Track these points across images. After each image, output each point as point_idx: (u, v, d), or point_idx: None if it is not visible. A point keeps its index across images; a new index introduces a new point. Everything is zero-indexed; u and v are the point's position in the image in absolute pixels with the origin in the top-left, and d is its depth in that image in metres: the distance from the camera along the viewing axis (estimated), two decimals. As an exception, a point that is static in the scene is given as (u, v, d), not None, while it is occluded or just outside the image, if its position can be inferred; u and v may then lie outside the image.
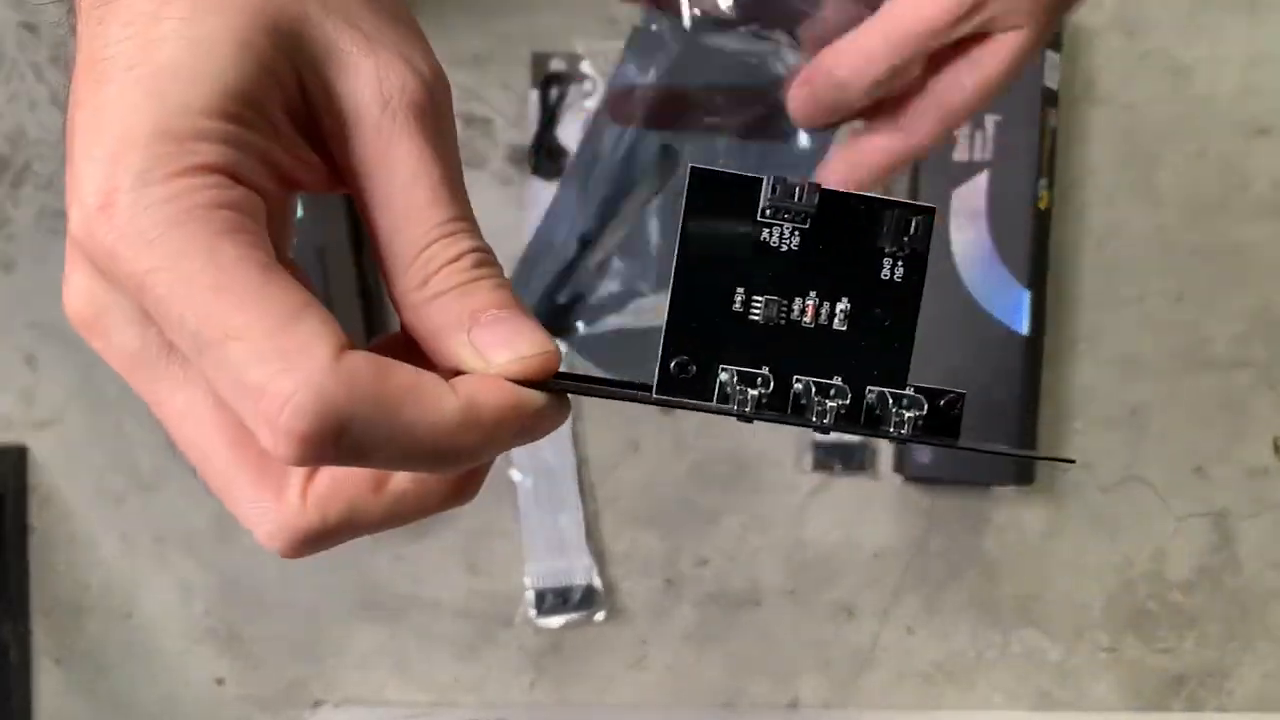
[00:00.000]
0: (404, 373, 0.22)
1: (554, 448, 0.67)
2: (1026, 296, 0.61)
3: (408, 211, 0.24)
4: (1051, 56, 0.61)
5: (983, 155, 0.61)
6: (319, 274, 0.59)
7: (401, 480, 0.24)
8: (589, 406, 0.67)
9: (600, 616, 0.67)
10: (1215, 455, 0.67)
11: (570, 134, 0.66)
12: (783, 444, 0.67)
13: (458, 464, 0.23)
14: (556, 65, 0.66)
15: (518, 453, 0.67)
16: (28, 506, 0.68)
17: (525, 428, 0.24)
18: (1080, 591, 0.68)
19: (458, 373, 0.24)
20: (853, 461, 0.66)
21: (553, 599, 0.67)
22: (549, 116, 0.65)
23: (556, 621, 0.67)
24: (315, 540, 0.24)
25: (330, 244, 0.62)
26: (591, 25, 0.66)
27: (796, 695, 0.69)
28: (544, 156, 0.65)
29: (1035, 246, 0.61)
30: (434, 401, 0.22)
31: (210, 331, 0.21)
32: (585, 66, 0.66)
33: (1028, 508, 0.67)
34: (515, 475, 0.67)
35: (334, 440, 0.21)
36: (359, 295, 0.64)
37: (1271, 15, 0.66)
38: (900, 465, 0.65)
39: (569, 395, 0.24)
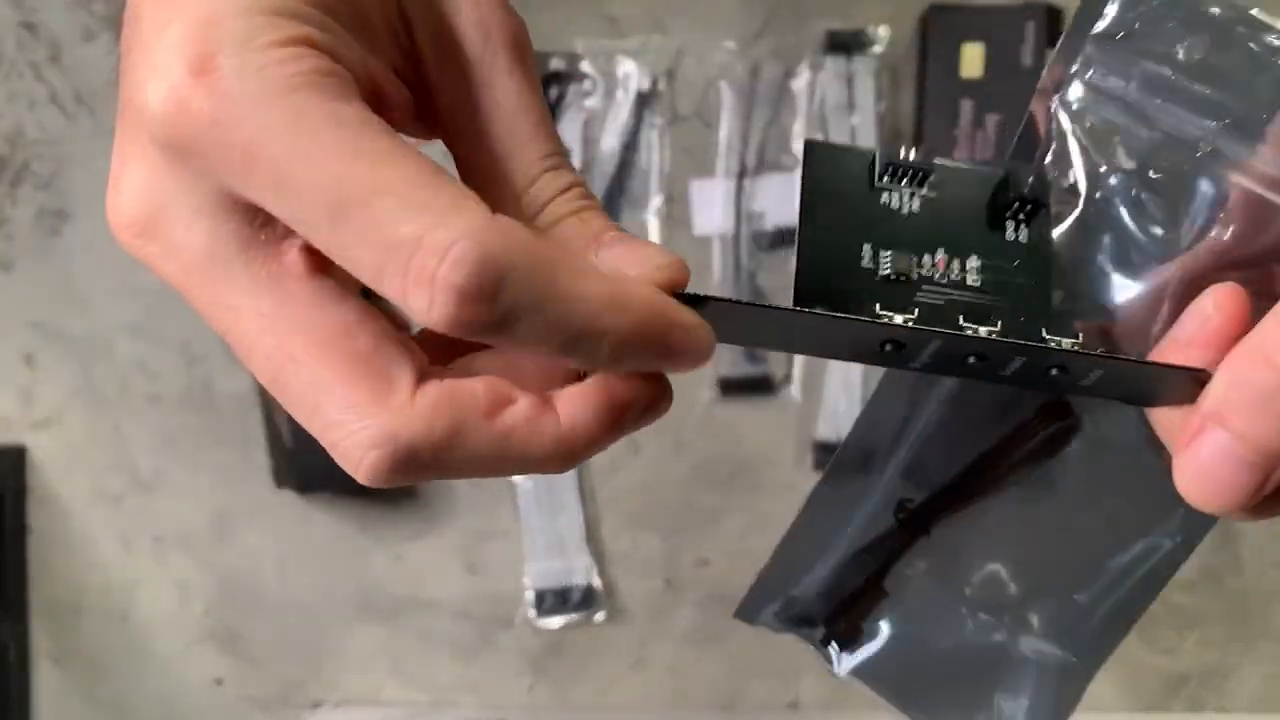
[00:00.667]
0: (554, 241, 0.22)
1: (554, 448, 0.67)
2: (1027, 296, 0.61)
3: (514, 144, 0.23)
4: (1052, 55, 0.61)
5: (984, 155, 0.61)
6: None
7: (515, 414, 0.22)
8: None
9: (600, 617, 0.67)
10: (1216, 455, 0.67)
11: (570, 134, 0.66)
12: (783, 444, 0.67)
13: (598, 356, 0.21)
14: (556, 64, 0.66)
15: (517, 453, 0.66)
16: (26, 507, 0.68)
17: (668, 340, 0.22)
18: (1081, 592, 0.68)
19: None
20: (853, 462, 0.66)
21: (552, 599, 0.67)
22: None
23: (556, 622, 0.67)
24: (416, 456, 0.21)
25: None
26: (591, 25, 0.66)
27: (797, 696, 0.69)
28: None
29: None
30: (587, 272, 0.21)
31: (352, 189, 0.19)
32: (585, 66, 0.66)
33: (1028, 508, 0.67)
34: (515, 476, 0.67)
35: (493, 296, 0.19)
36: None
37: (1273, 16, 0.65)
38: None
39: (710, 322, 0.23)
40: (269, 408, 0.62)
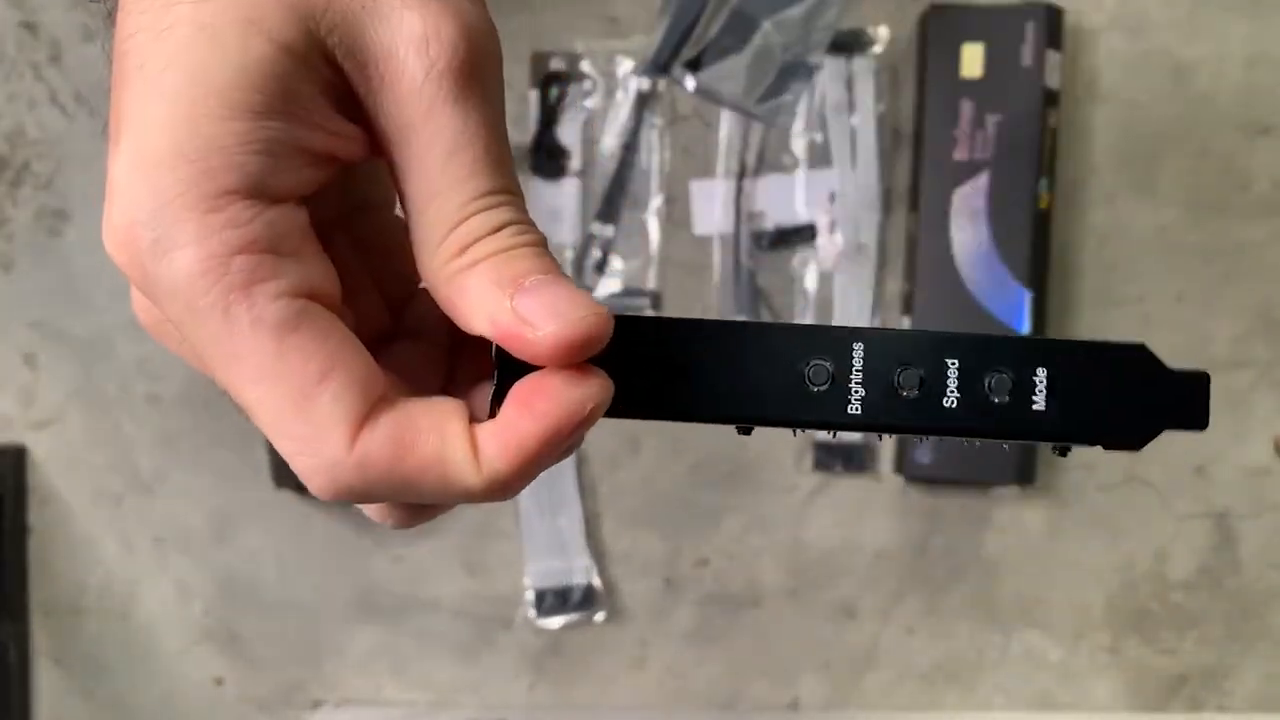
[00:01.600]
0: (425, 445, 0.22)
1: (554, 448, 0.67)
2: (1027, 296, 0.61)
3: (447, 183, 0.22)
4: (1053, 56, 0.61)
5: (983, 155, 0.61)
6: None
7: (447, 452, 0.23)
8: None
9: (600, 617, 0.67)
10: (1216, 455, 0.67)
11: (570, 133, 0.66)
12: (783, 444, 0.67)
13: (498, 499, 0.23)
14: (556, 64, 0.66)
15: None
16: (27, 507, 0.68)
17: (572, 433, 0.23)
18: (1081, 592, 0.68)
19: (485, 364, 0.24)
20: (853, 462, 0.66)
21: (552, 599, 0.67)
22: (548, 116, 0.65)
23: (556, 622, 0.67)
24: (351, 490, 0.23)
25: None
26: (591, 25, 0.66)
27: (797, 696, 0.69)
28: (544, 156, 0.65)
29: (1036, 246, 0.61)
30: (456, 475, 0.22)
31: (234, 392, 0.22)
32: (585, 66, 0.66)
33: (1029, 508, 0.67)
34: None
35: (348, 500, 0.23)
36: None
37: (1272, 15, 0.66)
38: (901, 466, 0.65)
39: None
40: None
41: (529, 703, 0.69)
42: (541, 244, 0.23)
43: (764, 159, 0.66)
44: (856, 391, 0.24)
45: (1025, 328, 0.61)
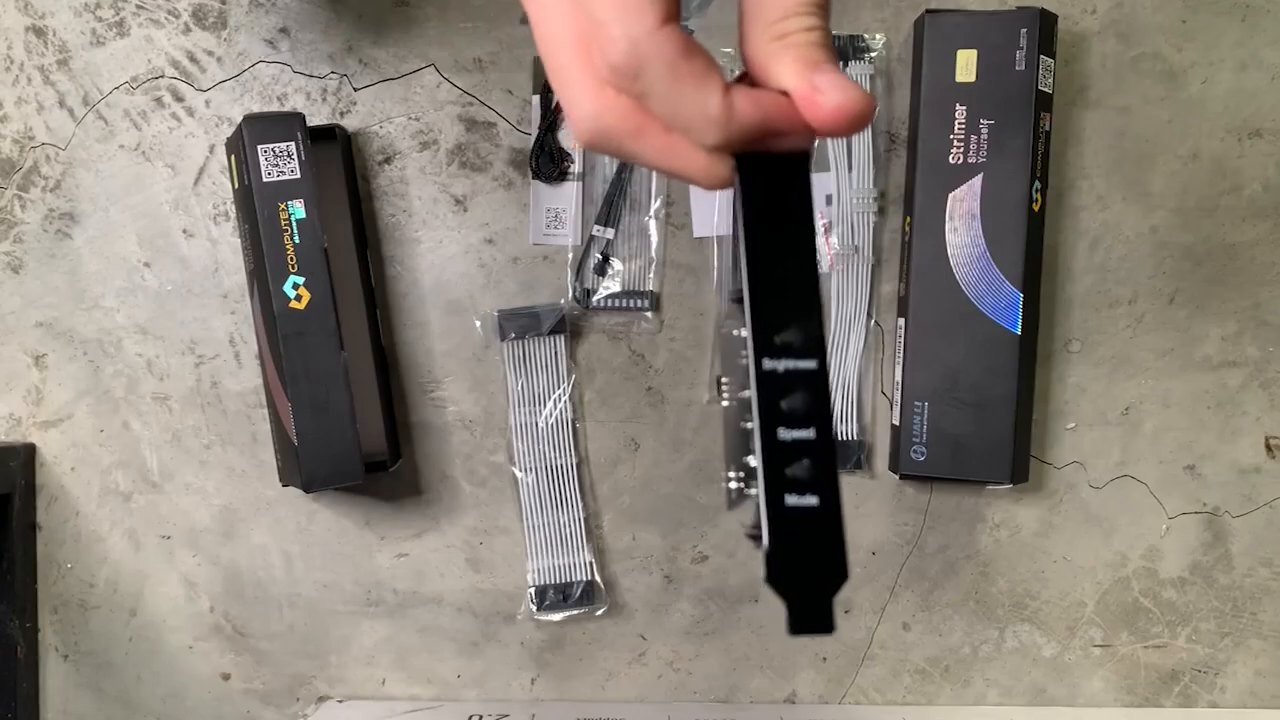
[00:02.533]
0: (700, 60, 0.29)
1: (555, 446, 0.67)
2: (1020, 297, 0.62)
3: None
4: (1046, 61, 0.62)
5: (977, 158, 0.62)
6: (324, 272, 0.59)
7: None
8: (591, 406, 0.68)
9: (601, 612, 0.68)
10: (1207, 453, 0.68)
11: (571, 138, 0.66)
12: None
13: (711, 139, 0.30)
14: (557, 69, 0.66)
15: (520, 451, 0.67)
16: (35, 504, 0.69)
17: (773, 132, 0.30)
18: (1074, 588, 0.68)
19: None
20: (850, 460, 0.67)
21: (554, 595, 0.67)
22: (550, 121, 0.66)
23: (557, 617, 0.68)
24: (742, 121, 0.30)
25: (336, 244, 0.62)
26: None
27: (794, 690, 0.69)
28: (546, 160, 0.66)
29: (1029, 248, 0.62)
30: (710, 89, 0.29)
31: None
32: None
33: (1022, 506, 0.68)
34: (517, 473, 0.67)
35: (633, 76, 0.29)
36: (362, 293, 0.65)
37: (1263, 19, 0.66)
38: (896, 464, 0.66)
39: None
40: (275, 407, 0.63)
41: (531, 696, 0.70)
42: (834, 49, 0.30)
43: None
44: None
45: (1018, 328, 0.62)
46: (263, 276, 0.59)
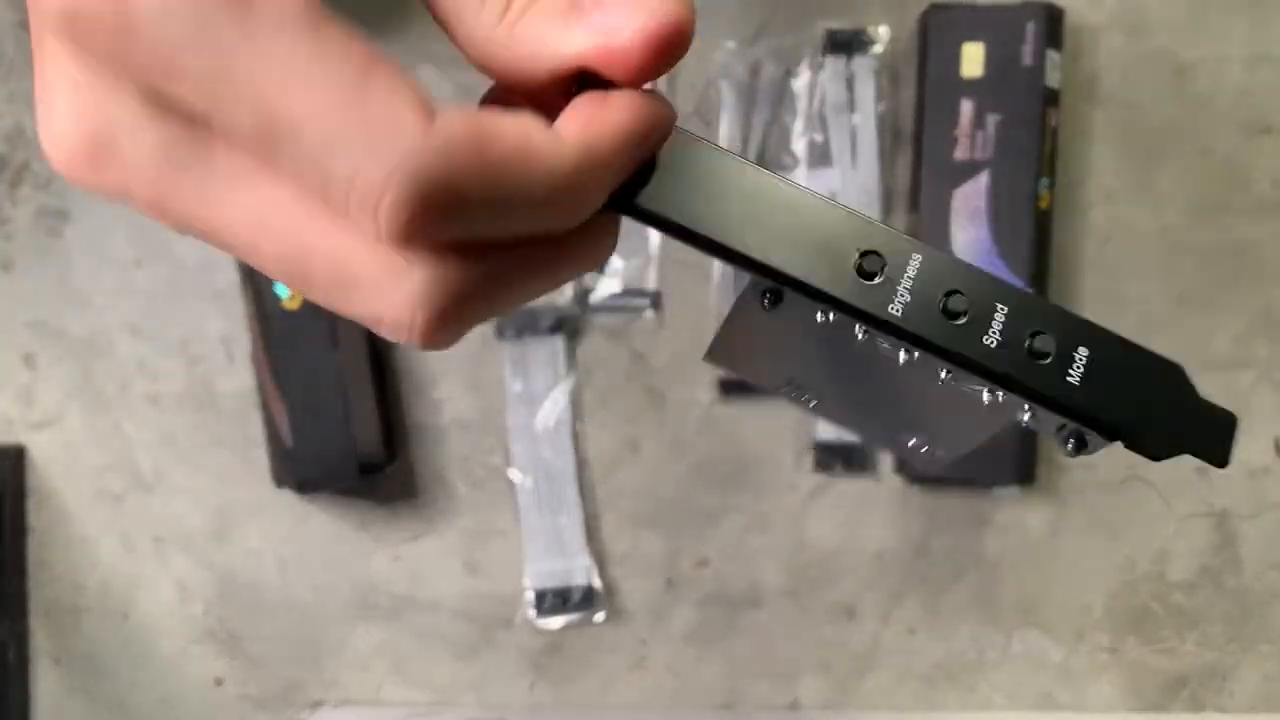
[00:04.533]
0: (505, 127, 0.19)
1: (554, 447, 0.67)
2: (1028, 296, 0.61)
3: None
4: (1053, 56, 0.61)
5: (984, 154, 0.61)
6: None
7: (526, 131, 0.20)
8: (590, 407, 0.67)
9: (600, 617, 0.67)
10: (1217, 455, 0.67)
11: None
12: (783, 444, 0.67)
13: (582, 209, 0.20)
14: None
15: (517, 452, 0.67)
16: (26, 507, 0.68)
17: (647, 134, 0.21)
18: (1081, 592, 0.68)
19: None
20: (854, 462, 0.66)
21: (552, 599, 0.67)
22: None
23: (556, 622, 0.67)
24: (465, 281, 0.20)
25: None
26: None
27: (796, 696, 0.69)
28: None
29: (1036, 246, 0.61)
30: (548, 151, 0.19)
31: (277, 115, 0.17)
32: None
33: (1029, 508, 0.67)
34: (515, 475, 0.67)
35: (441, 221, 0.18)
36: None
37: (1273, 14, 0.65)
38: (901, 466, 0.65)
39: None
40: (268, 408, 0.62)
41: (529, 702, 0.69)
42: None
43: (764, 158, 0.66)
44: (902, 296, 0.23)
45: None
46: (255, 275, 0.59)
